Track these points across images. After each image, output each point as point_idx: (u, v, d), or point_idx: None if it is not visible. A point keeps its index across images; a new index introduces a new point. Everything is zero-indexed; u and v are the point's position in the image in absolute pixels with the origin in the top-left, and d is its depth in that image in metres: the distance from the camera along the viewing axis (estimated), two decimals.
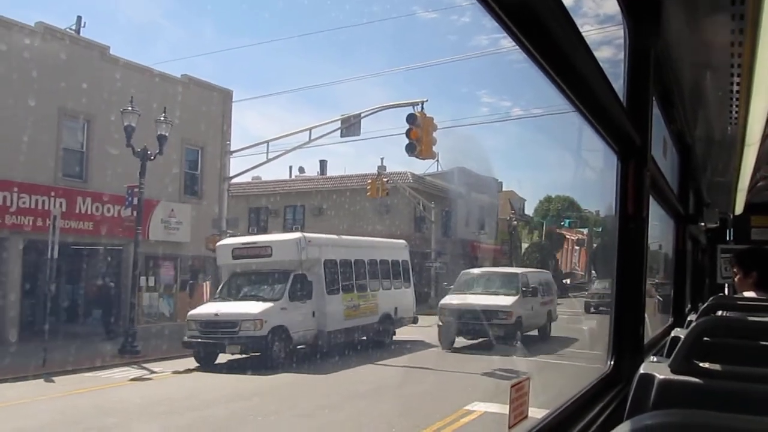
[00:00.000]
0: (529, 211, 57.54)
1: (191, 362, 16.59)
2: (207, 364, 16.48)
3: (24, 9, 40.60)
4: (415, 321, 22.65)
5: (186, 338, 17.10)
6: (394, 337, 21.10)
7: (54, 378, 14.44)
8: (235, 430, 11.00)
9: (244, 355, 16.98)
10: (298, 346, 18.16)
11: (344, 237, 24.26)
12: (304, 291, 18.33)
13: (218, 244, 20.33)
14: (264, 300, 17.68)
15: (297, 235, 19.84)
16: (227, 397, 13.05)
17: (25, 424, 10.54)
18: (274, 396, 13.56)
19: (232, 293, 18.91)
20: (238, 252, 19.23)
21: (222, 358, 16.89)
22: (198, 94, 25.38)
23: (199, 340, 16.79)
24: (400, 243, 24.03)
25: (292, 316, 17.62)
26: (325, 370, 15.93)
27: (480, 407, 11.48)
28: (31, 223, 19.52)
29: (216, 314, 16.98)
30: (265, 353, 16.61)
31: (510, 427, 2.11)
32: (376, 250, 22.31)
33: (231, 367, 16.57)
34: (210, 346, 16.63)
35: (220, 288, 19.60)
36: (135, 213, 19.45)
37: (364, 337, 20.31)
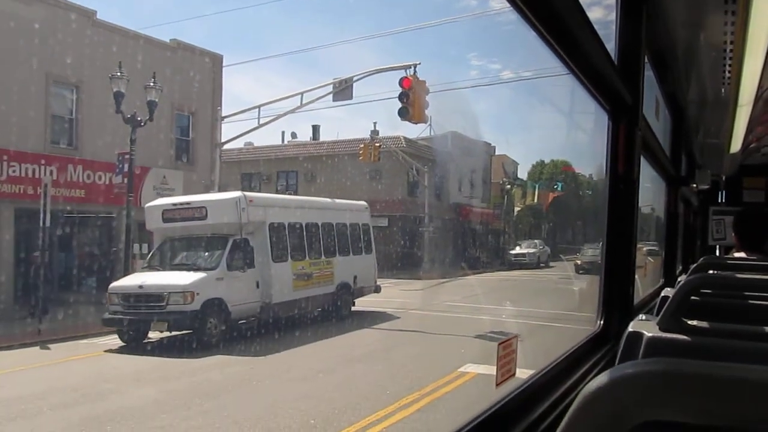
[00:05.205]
0: (522, 174, 57.55)
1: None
2: (134, 344, 14.61)
3: None
4: (377, 290, 20.94)
5: (107, 315, 14.98)
6: (354, 308, 19.49)
7: (50, 345, 14.55)
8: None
9: (175, 333, 15.04)
10: (239, 322, 16.02)
11: (294, 197, 22.76)
12: (246, 258, 16.22)
13: (147, 205, 17.88)
14: (197, 269, 15.64)
15: (236, 194, 17.26)
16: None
17: (23, 391, 10.61)
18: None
19: (163, 262, 16.99)
20: (169, 214, 16.98)
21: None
22: (188, 59, 25.08)
23: (122, 316, 14.72)
24: (361, 204, 21.88)
25: (230, 287, 15.49)
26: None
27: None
28: (22, 191, 19.45)
29: (140, 286, 14.99)
30: (198, 330, 14.67)
31: (497, 385, 2.11)
32: (331, 212, 20.03)
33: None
34: (135, 323, 14.70)
35: (149, 256, 17.62)
36: (126, 180, 19.35)
37: (319, 309, 18.46)
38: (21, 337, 14.95)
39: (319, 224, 19.19)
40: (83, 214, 21.53)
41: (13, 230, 19.43)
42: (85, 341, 15.14)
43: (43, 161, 19.92)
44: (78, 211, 21.07)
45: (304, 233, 18.59)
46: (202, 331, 14.67)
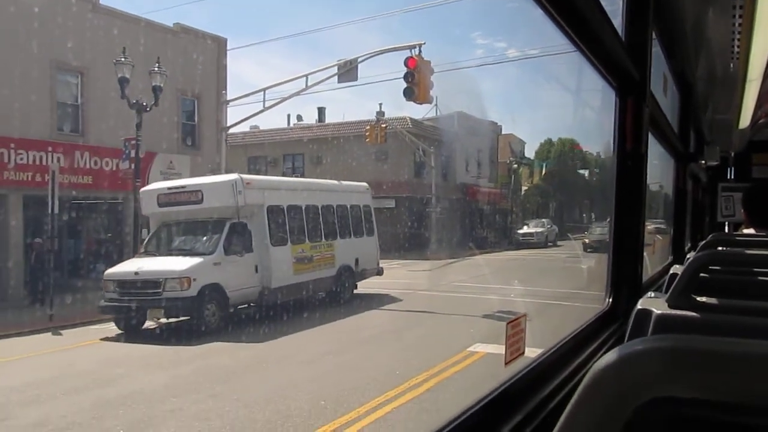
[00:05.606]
0: (529, 153, 57.30)
1: None
2: (133, 331, 14.48)
3: None
4: (379, 273, 20.56)
5: (102, 302, 14.79)
6: (360, 290, 19.30)
7: (61, 331, 14.68)
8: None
9: (173, 319, 14.93)
10: (239, 307, 16.07)
11: (293, 179, 22.47)
12: (244, 243, 15.97)
13: (142, 189, 17.59)
14: (193, 254, 15.37)
15: (232, 176, 16.77)
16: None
17: (36, 377, 10.72)
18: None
19: (159, 247, 16.65)
20: (165, 198, 16.65)
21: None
22: (192, 43, 25.02)
23: (117, 303, 14.51)
24: (362, 186, 21.33)
25: (228, 272, 15.26)
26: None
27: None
28: (29, 178, 19.52)
29: (136, 272, 14.69)
30: (196, 317, 14.44)
31: (506, 364, 2.11)
32: (332, 193, 19.60)
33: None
34: (131, 311, 14.37)
35: (145, 241, 17.28)
36: (133, 165, 19.38)
37: (321, 293, 18.31)
38: (31, 324, 15.08)
39: (319, 206, 18.81)
40: (91, 200, 21.62)
41: (21, 217, 19.55)
42: (95, 327, 15.23)
43: (49, 148, 19.95)
44: (85, 198, 21.15)
45: (304, 216, 18.22)
46: (200, 317, 14.41)
